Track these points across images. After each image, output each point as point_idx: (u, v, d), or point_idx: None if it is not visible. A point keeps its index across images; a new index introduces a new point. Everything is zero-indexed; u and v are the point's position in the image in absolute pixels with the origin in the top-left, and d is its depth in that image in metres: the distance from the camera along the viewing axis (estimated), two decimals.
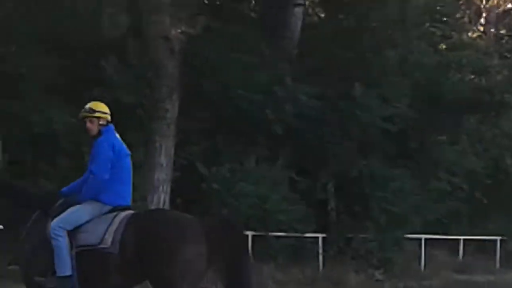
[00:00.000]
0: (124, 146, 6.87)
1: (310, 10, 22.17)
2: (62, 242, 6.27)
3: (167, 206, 16.06)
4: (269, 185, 17.08)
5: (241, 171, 16.93)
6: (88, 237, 6.31)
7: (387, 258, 17.94)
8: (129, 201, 6.80)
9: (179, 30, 14.66)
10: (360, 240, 17.64)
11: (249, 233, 15.75)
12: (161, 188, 15.99)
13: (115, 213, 6.46)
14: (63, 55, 14.93)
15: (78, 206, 6.51)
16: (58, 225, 6.34)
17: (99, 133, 6.68)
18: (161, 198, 15.98)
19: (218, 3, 19.32)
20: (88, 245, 6.30)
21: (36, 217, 6.64)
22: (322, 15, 22.42)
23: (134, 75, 15.20)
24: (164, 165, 16.00)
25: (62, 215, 6.44)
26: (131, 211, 6.60)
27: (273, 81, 17.08)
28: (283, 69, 17.72)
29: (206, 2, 18.00)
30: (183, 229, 6.26)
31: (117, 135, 6.84)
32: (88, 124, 6.67)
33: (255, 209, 16.45)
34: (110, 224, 6.31)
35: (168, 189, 16.20)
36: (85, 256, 6.30)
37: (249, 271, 6.45)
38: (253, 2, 21.14)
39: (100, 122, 6.68)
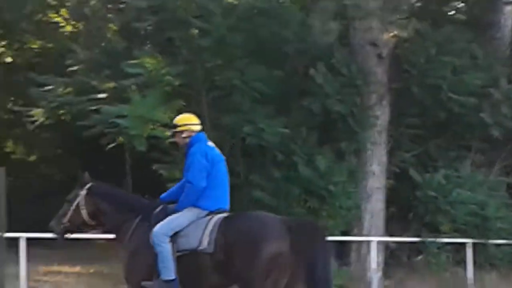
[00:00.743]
0: (218, 152, 7.14)
1: None
2: (166, 248, 6.57)
3: (381, 214, 15.94)
4: (486, 192, 16.37)
5: (456, 177, 16.36)
6: (189, 241, 6.61)
7: None
8: (226, 204, 7.05)
9: (390, 35, 14.53)
10: None
11: (469, 241, 15.22)
12: (374, 196, 15.90)
13: (210, 216, 6.75)
14: (272, 65, 15.28)
15: (178, 213, 6.80)
16: (161, 232, 6.63)
17: (190, 144, 6.99)
18: (374, 206, 15.89)
19: (424, 5, 18.85)
20: (188, 249, 6.62)
21: (138, 223, 6.98)
22: None
23: (343, 83, 15.22)
24: (377, 173, 15.92)
25: (164, 222, 6.73)
26: (224, 214, 6.84)
27: (488, 83, 16.35)
28: (498, 70, 16.93)
29: (415, 5, 17.62)
30: (266, 228, 6.48)
31: (210, 143, 7.13)
32: (176, 139, 7.16)
33: (473, 216, 15.82)
34: (205, 227, 6.62)
35: (382, 197, 16.07)
36: (185, 259, 6.59)
37: (328, 272, 6.54)
38: (461, 3, 20.45)
39: (183, 135, 7.04)
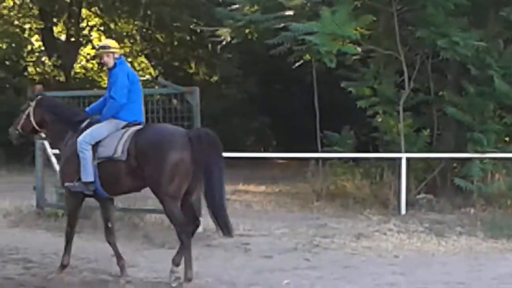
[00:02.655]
0: (135, 73, 8.25)
1: None
2: (86, 154, 7.64)
3: None
4: None
5: None
6: (106, 150, 7.63)
7: None
8: (141, 117, 8.10)
9: None
10: None
11: None
12: None
13: (126, 129, 7.77)
14: None
15: (99, 124, 7.86)
16: (84, 140, 7.71)
17: (114, 65, 8.01)
18: None
19: None
20: (105, 157, 7.61)
21: (69, 135, 8.03)
22: None
23: None
24: None
25: (87, 132, 7.78)
26: (137, 127, 7.82)
27: None
28: None
29: None
30: (170, 139, 7.51)
31: (129, 65, 8.35)
32: (105, 58, 8.05)
33: None
34: (121, 138, 7.63)
35: None
36: (104, 165, 7.62)
37: (221, 170, 7.53)
38: None
39: (115, 56, 8.04)
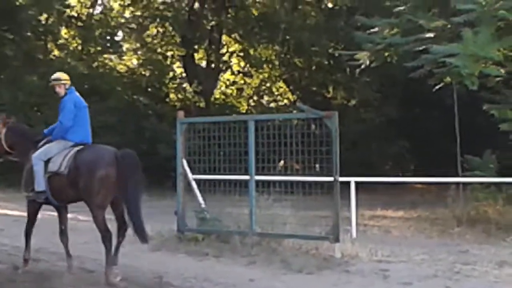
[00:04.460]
0: (83, 100, 9.48)
1: None
2: (39, 168, 9.03)
3: None
4: None
5: None
6: (53, 166, 8.96)
7: None
8: (88, 139, 9.39)
9: None
10: None
11: None
12: None
13: (71, 148, 9.08)
14: None
15: (51, 143, 9.26)
16: (38, 156, 9.12)
17: (66, 94, 9.39)
18: None
19: None
20: (53, 171, 8.94)
21: (31, 152, 9.28)
22: None
23: None
24: None
25: (41, 150, 9.22)
26: (81, 146, 9.11)
27: None
28: None
29: None
30: (100, 158, 8.79)
31: (77, 94, 9.49)
32: (57, 89, 9.44)
33: None
34: (65, 156, 8.96)
35: None
36: (52, 178, 8.96)
37: (138, 183, 8.71)
38: None
39: (66, 87, 9.44)
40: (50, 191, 9.05)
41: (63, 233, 9.55)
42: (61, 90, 9.46)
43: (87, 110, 9.55)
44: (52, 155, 9.11)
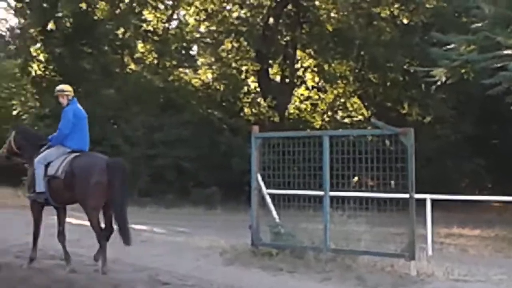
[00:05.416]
0: (83, 111, 10.33)
1: None
2: (39, 171, 9.91)
3: None
4: None
5: None
6: (52, 170, 9.83)
7: None
8: (85, 146, 10.24)
9: None
10: None
11: None
12: None
13: (69, 154, 9.93)
14: None
15: (51, 149, 10.12)
16: (39, 160, 10.01)
17: (68, 104, 10.25)
18: None
19: None
20: (52, 175, 9.83)
21: (35, 155, 10.14)
22: None
23: None
24: None
25: (42, 154, 10.08)
26: (77, 153, 9.96)
27: None
28: None
29: None
30: (93, 165, 9.66)
31: (78, 105, 10.36)
32: (61, 99, 10.33)
33: None
34: (63, 161, 9.83)
35: None
36: (51, 181, 9.84)
37: (125, 189, 9.72)
38: None
39: (69, 98, 10.30)
40: (49, 193, 9.95)
41: (60, 234, 10.30)
42: (64, 100, 10.37)
43: (86, 121, 10.44)
44: (51, 160, 10.02)
